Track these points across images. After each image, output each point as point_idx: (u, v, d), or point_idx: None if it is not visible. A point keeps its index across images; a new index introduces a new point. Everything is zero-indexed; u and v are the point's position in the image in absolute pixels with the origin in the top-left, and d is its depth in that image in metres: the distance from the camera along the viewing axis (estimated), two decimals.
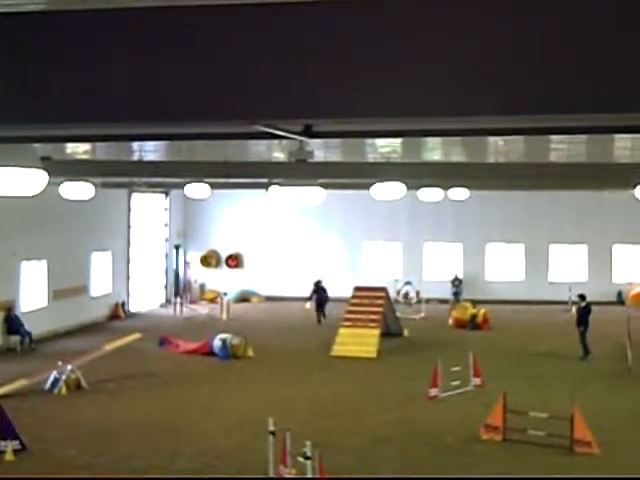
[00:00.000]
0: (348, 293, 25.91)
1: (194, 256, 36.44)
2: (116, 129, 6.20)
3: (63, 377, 18.25)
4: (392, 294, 28.22)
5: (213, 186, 21.17)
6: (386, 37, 3.88)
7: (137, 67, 4.19)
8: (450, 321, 28.69)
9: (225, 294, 33.05)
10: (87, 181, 18.10)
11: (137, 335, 22.45)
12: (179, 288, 35.13)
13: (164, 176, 20.51)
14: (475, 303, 29.74)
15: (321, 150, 14.79)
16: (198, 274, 36.29)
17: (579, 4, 3.69)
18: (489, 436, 14.50)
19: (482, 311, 28.35)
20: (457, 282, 34.29)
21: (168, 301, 34.38)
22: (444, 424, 15.67)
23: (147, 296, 33.59)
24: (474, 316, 28.06)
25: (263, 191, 23.31)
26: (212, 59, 4.10)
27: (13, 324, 23.79)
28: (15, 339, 23.73)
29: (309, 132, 5.45)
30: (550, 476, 12.99)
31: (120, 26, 4.21)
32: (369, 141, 13.70)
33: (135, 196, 32.14)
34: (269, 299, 35.04)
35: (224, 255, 36.45)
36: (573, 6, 3.69)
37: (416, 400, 17.52)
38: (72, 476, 12.78)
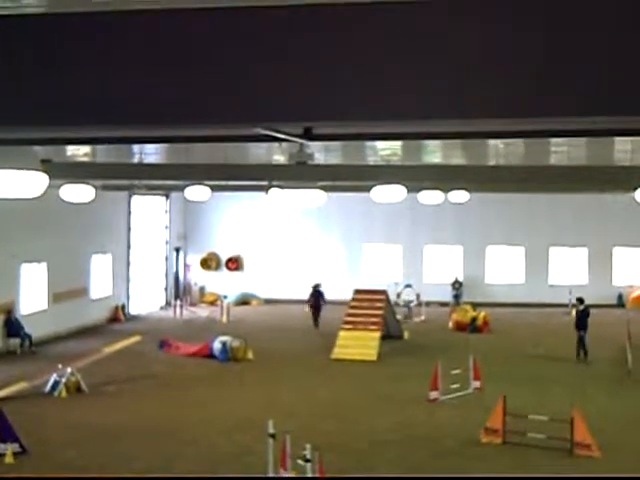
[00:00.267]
0: (348, 296, 25.90)
1: (194, 259, 36.44)
2: (116, 132, 6.21)
3: (63, 380, 18.25)
4: (392, 297, 28.21)
5: (213, 188, 21.18)
6: (386, 40, 3.88)
7: (137, 70, 4.19)
8: (450, 324, 28.67)
9: (225, 297, 33.05)
10: (87, 183, 18.09)
11: (137, 338, 22.45)
12: (179, 291, 35.13)
13: (164, 178, 20.51)
14: (475, 306, 29.73)
15: (321, 153, 14.79)
16: (198, 277, 36.29)
17: (579, 10, 3.69)
18: (489, 439, 14.49)
19: (482, 314, 28.34)
20: (457, 285, 34.28)
21: (168, 304, 34.37)
22: (444, 427, 15.67)
23: (147, 299, 33.58)
24: (474, 319, 28.05)
25: (263, 194, 23.35)
26: (212, 62, 4.10)
27: (13, 327, 23.79)
28: (15, 342, 23.73)
29: (309, 135, 5.46)
30: (549, 476, 13.00)
31: (120, 29, 4.21)
32: (369, 144, 13.70)
33: (135, 198, 32.16)
34: (269, 302, 35.02)
35: (224, 258, 36.45)
36: (573, 9, 3.69)
37: (416, 403, 17.51)
38: (72, 476, 12.80)
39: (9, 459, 13.30)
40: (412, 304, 32.63)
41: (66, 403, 17.61)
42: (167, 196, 34.79)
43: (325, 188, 14.06)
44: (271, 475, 11.90)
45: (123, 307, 31.19)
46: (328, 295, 31.59)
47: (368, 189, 17.57)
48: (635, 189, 16.23)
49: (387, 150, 15.07)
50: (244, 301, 35.12)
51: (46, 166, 8.27)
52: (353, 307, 24.67)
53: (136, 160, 17.45)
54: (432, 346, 24.67)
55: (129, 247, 32.03)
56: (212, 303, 34.60)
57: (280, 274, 35.51)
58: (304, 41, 3.98)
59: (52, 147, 13.30)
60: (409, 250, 35.17)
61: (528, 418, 14.52)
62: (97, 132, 6.19)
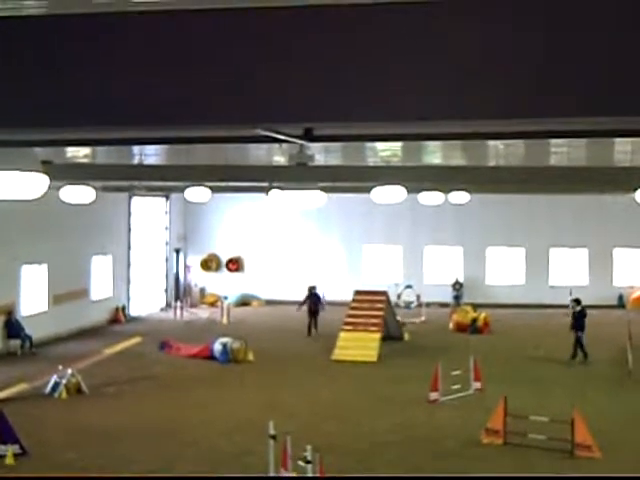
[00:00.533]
0: (348, 297, 25.89)
1: (194, 260, 36.44)
2: (117, 133, 6.21)
3: (63, 381, 18.24)
4: (392, 298, 28.21)
5: (213, 190, 21.18)
6: (387, 41, 3.88)
7: (137, 71, 4.19)
8: (451, 325, 28.66)
9: (225, 298, 33.04)
10: (88, 185, 18.09)
11: (137, 339, 22.45)
12: (179, 292, 35.13)
13: (164, 180, 20.51)
14: (476, 307, 29.73)
15: (321, 154, 14.80)
16: (198, 278, 36.28)
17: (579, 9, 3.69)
18: (490, 440, 14.49)
19: (483, 315, 28.33)
20: (458, 286, 34.28)
21: (168, 305, 34.37)
22: (445, 428, 15.67)
23: (147, 300, 33.58)
24: (475, 320, 28.05)
25: (263, 195, 23.37)
26: (212, 63, 4.11)
27: (13, 328, 23.79)
28: (15, 343, 23.73)
29: (309, 136, 5.46)
30: (549, 475, 13.00)
31: (120, 30, 4.21)
32: (369, 145, 13.71)
33: (135, 200, 32.16)
34: (269, 303, 35.02)
35: (224, 259, 36.45)
36: (573, 9, 3.70)
37: (417, 404, 17.51)
38: (72, 476, 12.80)
39: (9, 460, 13.29)
40: (412, 305, 32.65)
41: (66, 404, 17.61)
42: (167, 197, 34.79)
43: (325, 189, 14.07)
44: (272, 475, 11.91)
45: (123, 308, 31.19)
46: (329, 296, 31.64)
47: (368, 190, 17.58)
48: (635, 190, 16.23)
49: (387, 151, 15.07)
50: (244, 302, 35.12)
51: (46, 167, 8.28)
52: (353, 308, 24.67)
53: (136, 161, 17.45)
54: (432, 347, 24.66)
55: (129, 248, 32.03)
56: (212, 304, 34.59)
57: (280, 275, 35.50)
58: (304, 42, 3.99)
59: (52, 148, 13.30)
60: (409, 251, 35.17)
61: (529, 419, 14.52)
62: (97, 133, 6.19)
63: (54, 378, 18.38)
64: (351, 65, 3.93)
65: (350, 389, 19.24)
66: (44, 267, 25.82)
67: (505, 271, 35.09)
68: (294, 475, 11.49)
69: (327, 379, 20.43)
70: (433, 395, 17.60)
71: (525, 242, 34.69)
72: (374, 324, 23.65)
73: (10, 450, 13.40)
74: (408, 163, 17.52)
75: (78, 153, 15.82)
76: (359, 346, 22.79)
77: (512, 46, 3.76)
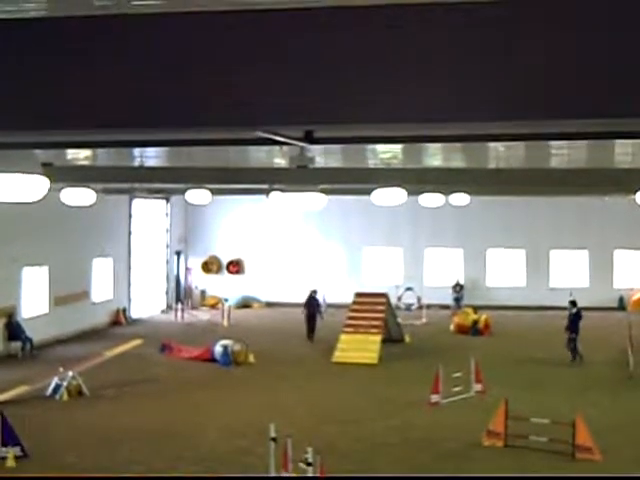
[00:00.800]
0: (349, 299, 25.88)
1: (195, 262, 36.43)
2: (117, 135, 6.21)
3: (64, 383, 18.25)
4: (393, 300, 28.20)
5: (214, 192, 21.18)
6: (387, 43, 3.88)
7: (138, 73, 4.19)
8: (451, 327, 28.66)
9: (226, 300, 33.04)
10: (88, 187, 18.10)
11: (138, 341, 22.44)
12: (180, 294, 35.13)
13: (165, 182, 20.52)
14: (476, 309, 29.71)
15: (322, 156, 14.80)
16: (199, 280, 36.28)
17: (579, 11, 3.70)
18: (491, 442, 14.47)
19: (483, 317, 28.33)
20: (458, 288, 34.27)
21: (169, 307, 34.37)
22: (446, 430, 15.65)
23: (148, 302, 33.57)
24: (475, 322, 28.04)
25: (264, 197, 23.36)
26: (212, 65, 4.11)
27: (14, 330, 23.79)
28: (16, 345, 23.73)
29: (310, 138, 5.46)
30: (549, 475, 12.99)
31: (121, 33, 4.22)
32: (370, 147, 13.72)
33: (136, 202, 32.16)
34: (270, 305, 35.03)
35: (225, 261, 36.45)
36: (573, 9, 3.70)
37: (417, 406, 17.50)
38: (72, 476, 12.80)
39: (10, 462, 13.30)
40: (413, 307, 32.65)
41: (67, 406, 17.61)
42: (168, 199, 34.79)
43: (326, 191, 14.07)
44: (272, 475, 11.90)
45: (124, 310, 31.18)
46: (329, 298, 31.59)
47: (369, 192, 17.58)
48: (636, 192, 16.24)
49: (387, 153, 15.08)
50: (245, 304, 35.11)
51: (47, 170, 8.28)
52: (354, 310, 24.66)
53: (137, 163, 17.46)
54: (433, 349, 24.65)
55: (130, 250, 32.04)
56: (213, 306, 34.60)
57: (281, 277, 35.50)
58: (305, 44, 3.99)
59: (53, 151, 13.31)
60: (410, 253, 35.16)
61: (530, 421, 14.50)
62: (98, 136, 6.19)
63: (55, 380, 18.38)
64: (351, 67, 3.93)
65: (351, 391, 19.23)
66: (45, 269, 25.83)
67: (506, 273, 35.08)
68: (294, 476, 11.48)
69: (328, 381, 20.42)
70: (434, 397, 17.58)
71: (525, 244, 34.68)
72: (375, 326, 23.64)
73: (11, 452, 13.40)
74: (408, 165, 17.52)
75: (78, 155, 15.83)
76: (360, 348, 22.78)
77: (512, 47, 3.76)
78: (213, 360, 22.47)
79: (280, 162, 16.33)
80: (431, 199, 23.01)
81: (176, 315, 32.19)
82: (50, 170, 11.10)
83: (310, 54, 3.98)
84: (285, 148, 11.40)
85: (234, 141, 6.35)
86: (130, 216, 32.05)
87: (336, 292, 32.92)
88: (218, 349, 22.57)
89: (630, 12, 3.63)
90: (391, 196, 16.85)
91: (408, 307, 32.75)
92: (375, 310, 24.41)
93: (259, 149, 13.82)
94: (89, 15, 4.23)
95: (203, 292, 36.19)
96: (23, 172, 7.51)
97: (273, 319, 31.79)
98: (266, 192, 21.35)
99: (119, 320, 30.41)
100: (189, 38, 4.13)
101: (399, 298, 32.61)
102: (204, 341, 24.29)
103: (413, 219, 33.53)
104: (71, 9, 4.26)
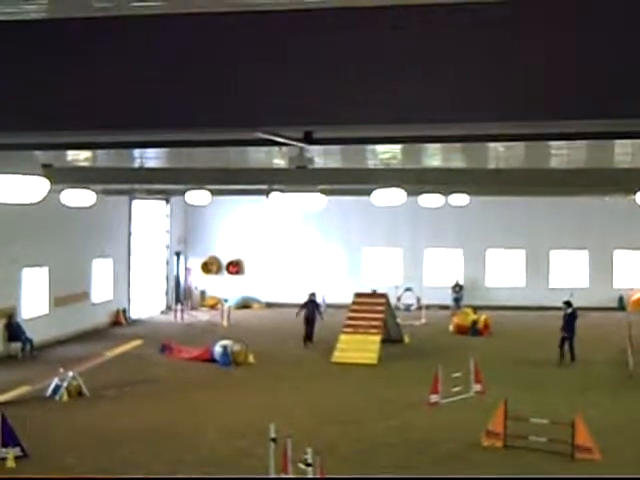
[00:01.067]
0: (349, 299, 25.88)
1: (195, 262, 36.44)
2: (117, 136, 6.22)
3: (64, 384, 18.25)
4: (392, 300, 28.18)
5: (214, 193, 21.19)
6: (387, 43, 3.89)
7: (138, 74, 4.20)
8: (451, 327, 28.66)
9: (226, 300, 33.04)
10: (88, 188, 18.11)
11: (138, 342, 22.45)
12: (180, 295, 35.13)
13: (165, 183, 20.52)
14: (476, 309, 29.71)
15: (321, 156, 14.81)
16: (199, 280, 36.28)
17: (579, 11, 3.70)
18: (490, 442, 14.48)
19: (483, 317, 28.33)
20: (458, 288, 34.28)
21: (169, 308, 34.38)
22: (445, 430, 15.66)
23: (148, 303, 33.57)
24: (475, 322, 28.05)
25: (264, 197, 23.36)
26: (212, 66, 4.11)
27: (14, 331, 23.79)
28: (16, 346, 23.73)
29: (309, 139, 5.46)
30: (548, 476, 12.99)
31: (121, 34, 4.22)
32: (369, 147, 13.72)
33: (136, 203, 32.16)
34: (270, 305, 35.03)
35: (225, 261, 36.45)
36: (574, 9, 3.70)
37: (417, 407, 17.50)
38: (72, 476, 12.81)
39: (10, 463, 13.30)
40: (412, 307, 32.64)
41: (67, 407, 17.61)
42: (168, 200, 34.79)
43: (325, 192, 14.07)
44: (272, 476, 11.90)
45: (124, 311, 31.19)
46: (329, 299, 31.58)
47: (368, 193, 17.59)
48: (636, 192, 16.25)
49: (387, 153, 15.08)
50: (245, 305, 35.12)
51: (47, 171, 8.28)
52: (354, 311, 24.67)
53: (137, 164, 17.46)
54: (433, 349, 24.65)
55: (130, 251, 32.04)
56: (213, 307, 34.59)
57: (281, 278, 35.50)
58: (305, 44, 3.99)
59: (53, 152, 13.31)
60: (409, 253, 35.16)
61: (529, 421, 14.51)
62: (98, 137, 6.20)
63: (55, 381, 18.38)
64: (351, 68, 3.94)
65: (350, 391, 19.24)
66: (45, 270, 25.83)
67: (505, 273, 35.09)
68: (294, 476, 11.48)
69: (327, 381, 20.43)
70: (433, 397, 17.59)
71: (525, 244, 34.69)
72: (374, 326, 23.65)
73: (11, 453, 13.41)
74: (408, 165, 17.53)
75: (78, 156, 15.83)
76: (359, 348, 22.79)
77: (512, 47, 3.76)
78: (213, 360, 22.47)
79: (279, 163, 16.33)
80: (431, 199, 23.02)
81: (176, 316, 32.19)
82: (50, 171, 11.10)
83: (310, 55, 3.98)
84: (284, 149, 11.41)
85: (234, 142, 6.35)
86: (130, 217, 32.05)
87: (336, 292, 32.91)
88: (218, 349, 22.58)
89: (630, 12, 3.63)
90: (391, 196, 16.85)
91: (407, 307, 32.74)
92: (374, 310, 24.42)
93: (258, 150, 13.82)
94: (89, 17, 4.23)
95: (203, 293, 36.19)
96: (23, 173, 7.52)
97: (273, 320, 31.79)
98: (266, 193, 21.35)
99: (119, 321, 30.41)
100: (189, 39, 4.13)
101: (398, 298, 32.61)
102: (204, 341, 24.30)
103: (413, 219, 33.53)
104: (71, 11, 4.26)
